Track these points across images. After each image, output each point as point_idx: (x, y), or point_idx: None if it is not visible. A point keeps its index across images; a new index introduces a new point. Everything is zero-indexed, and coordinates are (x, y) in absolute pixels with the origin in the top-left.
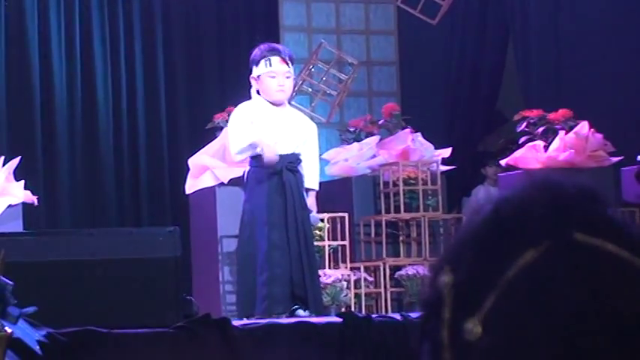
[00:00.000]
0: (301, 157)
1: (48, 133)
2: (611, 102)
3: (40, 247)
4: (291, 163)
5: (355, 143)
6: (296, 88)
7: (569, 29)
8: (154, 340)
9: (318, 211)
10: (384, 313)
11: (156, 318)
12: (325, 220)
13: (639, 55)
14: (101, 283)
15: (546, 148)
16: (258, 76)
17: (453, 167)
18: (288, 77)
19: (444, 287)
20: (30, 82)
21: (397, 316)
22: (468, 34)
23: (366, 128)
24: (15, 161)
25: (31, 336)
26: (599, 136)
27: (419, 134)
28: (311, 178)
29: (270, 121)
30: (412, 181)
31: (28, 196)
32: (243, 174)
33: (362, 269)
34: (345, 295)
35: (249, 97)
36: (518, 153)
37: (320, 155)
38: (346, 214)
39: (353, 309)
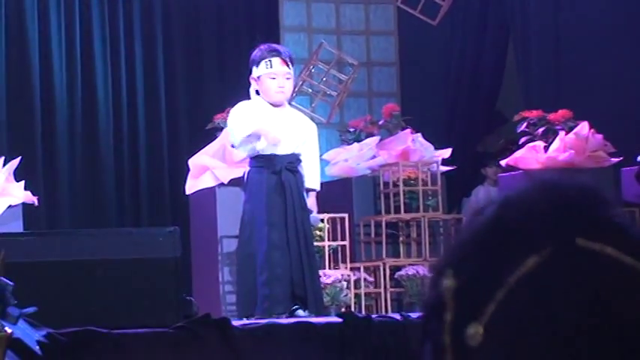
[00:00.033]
0: (301, 158)
1: (48, 133)
2: (611, 102)
3: (40, 247)
4: (290, 163)
5: (355, 144)
6: (296, 89)
7: (569, 29)
8: (154, 340)
9: (319, 212)
10: (384, 313)
11: (156, 318)
12: (325, 221)
13: (639, 55)
14: (101, 283)
15: (546, 148)
16: (259, 77)
17: (453, 168)
18: (288, 78)
19: (447, 291)
20: (30, 83)
21: (397, 317)
22: (468, 35)
23: (366, 129)
24: (15, 162)
25: (31, 336)
26: (599, 136)
27: (419, 135)
28: (312, 179)
29: (269, 121)
30: (412, 182)
31: (28, 197)
32: (243, 174)
33: (362, 269)
34: (345, 296)
35: (249, 98)
36: (518, 153)
37: (320, 156)
38: (346, 215)
39: (353, 309)
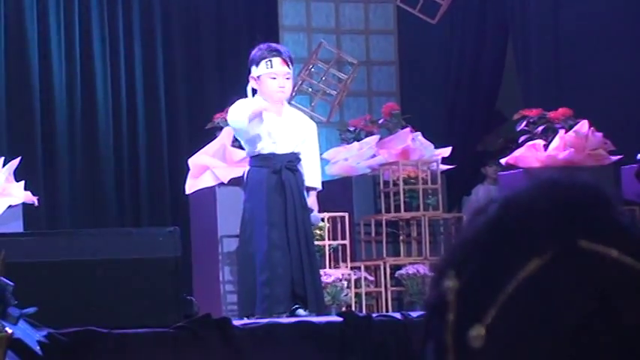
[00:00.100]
0: (301, 157)
1: (48, 133)
2: (610, 101)
3: (41, 247)
4: (290, 162)
5: (355, 143)
6: (296, 88)
7: (569, 28)
8: (155, 340)
9: (319, 211)
10: (384, 312)
11: (156, 318)
12: (325, 220)
13: (639, 55)
14: (101, 283)
15: (546, 147)
16: (258, 77)
17: (453, 166)
18: (288, 78)
19: (449, 292)
20: (30, 83)
21: (398, 316)
22: (468, 34)
23: (366, 128)
24: (15, 162)
25: (32, 336)
26: (599, 134)
27: (419, 133)
28: (312, 177)
29: (269, 120)
30: (412, 181)
31: (29, 197)
32: (243, 174)
33: (362, 268)
34: (346, 295)
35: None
36: (518, 152)
37: (320, 155)
38: (346, 214)
39: (353, 308)
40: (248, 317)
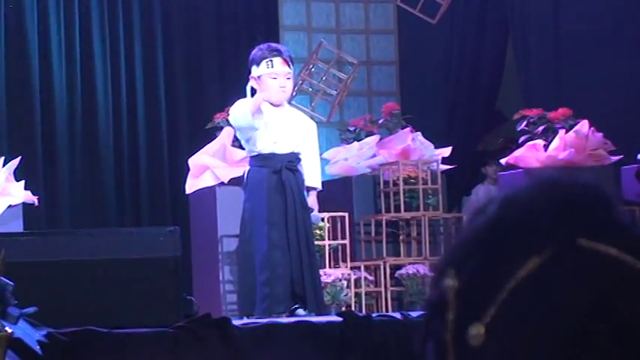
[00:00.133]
0: (301, 157)
1: (48, 133)
2: (611, 100)
3: (41, 247)
4: (290, 162)
5: (355, 143)
6: (296, 88)
7: (569, 28)
8: (155, 340)
9: (319, 211)
10: (384, 312)
11: (156, 318)
12: (325, 220)
13: (639, 55)
14: (101, 283)
15: (546, 147)
16: (259, 77)
17: (453, 166)
18: (288, 78)
19: (448, 291)
20: (30, 83)
21: (397, 315)
22: (468, 33)
23: (366, 128)
24: (15, 161)
25: (32, 336)
26: (599, 134)
27: (419, 133)
28: (312, 177)
29: (269, 120)
30: (412, 181)
31: (29, 197)
32: (244, 173)
33: (362, 268)
34: (346, 295)
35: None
36: (518, 152)
37: (320, 155)
38: (346, 214)
39: (353, 308)
40: (248, 317)
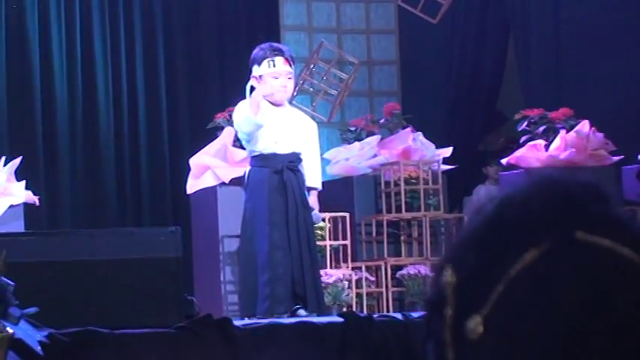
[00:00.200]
0: (302, 157)
1: (49, 133)
2: (611, 101)
3: (42, 247)
4: (291, 162)
5: (356, 143)
6: (297, 88)
7: (570, 28)
8: (156, 340)
9: (320, 211)
10: (385, 312)
11: (157, 318)
12: (326, 220)
13: (639, 55)
14: (102, 283)
15: (547, 147)
16: (260, 76)
17: (454, 166)
18: (290, 78)
19: (447, 286)
20: (31, 83)
21: (398, 316)
22: (469, 33)
23: (367, 127)
24: (16, 161)
25: (33, 336)
26: (600, 135)
27: (420, 133)
28: (313, 177)
29: (270, 120)
30: (413, 181)
31: (30, 197)
32: (244, 173)
33: (363, 269)
34: (347, 295)
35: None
36: (519, 152)
37: (321, 155)
38: (347, 214)
39: (354, 309)
40: (249, 317)
